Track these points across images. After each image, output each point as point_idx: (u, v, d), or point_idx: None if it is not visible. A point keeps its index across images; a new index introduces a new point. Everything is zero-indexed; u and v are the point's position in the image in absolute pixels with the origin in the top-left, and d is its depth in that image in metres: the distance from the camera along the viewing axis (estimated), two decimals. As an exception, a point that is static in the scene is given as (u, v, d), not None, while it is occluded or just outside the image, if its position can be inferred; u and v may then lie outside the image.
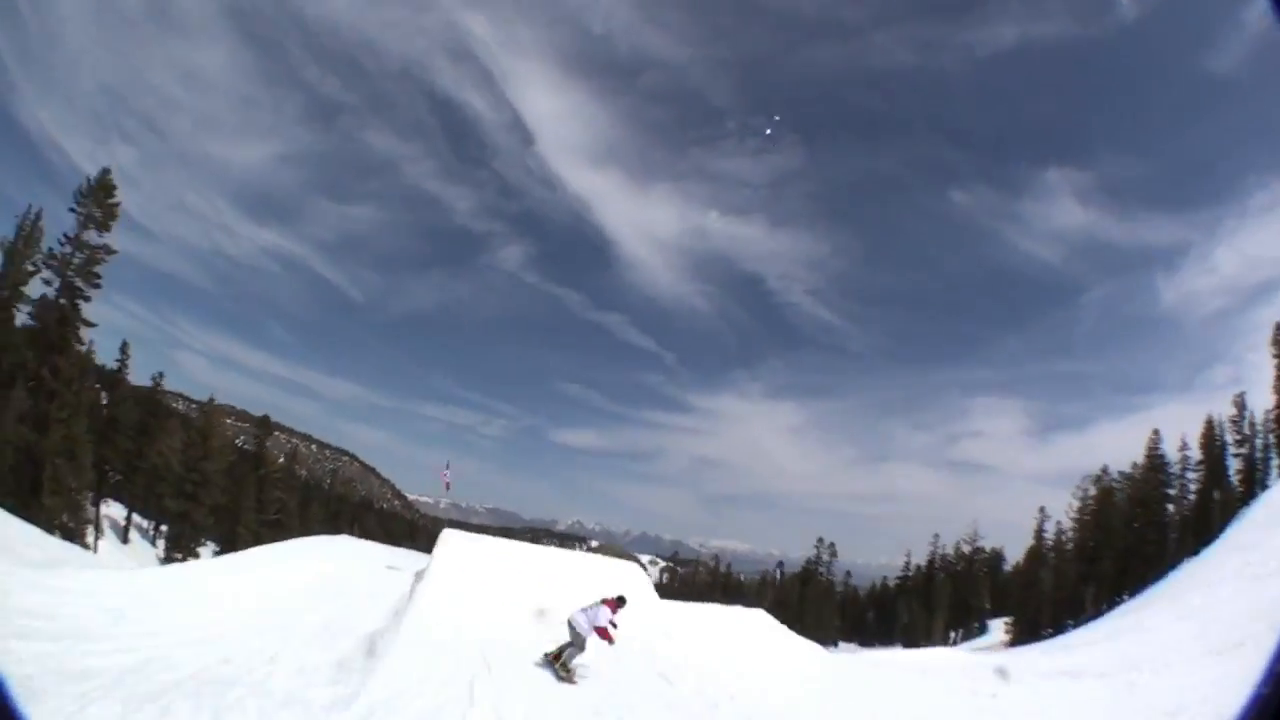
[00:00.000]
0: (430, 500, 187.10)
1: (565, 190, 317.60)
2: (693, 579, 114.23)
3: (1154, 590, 43.11)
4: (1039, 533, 66.86)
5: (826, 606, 78.59)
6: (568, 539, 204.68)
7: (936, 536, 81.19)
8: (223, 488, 44.78)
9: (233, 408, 74.00)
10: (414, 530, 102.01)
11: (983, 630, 70.00)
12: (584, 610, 10.80)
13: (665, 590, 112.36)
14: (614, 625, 10.87)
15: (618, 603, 11.08)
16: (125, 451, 40.70)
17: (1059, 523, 64.94)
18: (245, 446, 56.01)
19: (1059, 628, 52.15)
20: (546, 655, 11.00)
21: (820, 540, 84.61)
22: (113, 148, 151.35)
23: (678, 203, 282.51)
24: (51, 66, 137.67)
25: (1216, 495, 51.15)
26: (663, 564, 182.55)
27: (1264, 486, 49.11)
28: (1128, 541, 54.24)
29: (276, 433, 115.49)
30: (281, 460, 58.55)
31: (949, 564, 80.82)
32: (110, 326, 75.13)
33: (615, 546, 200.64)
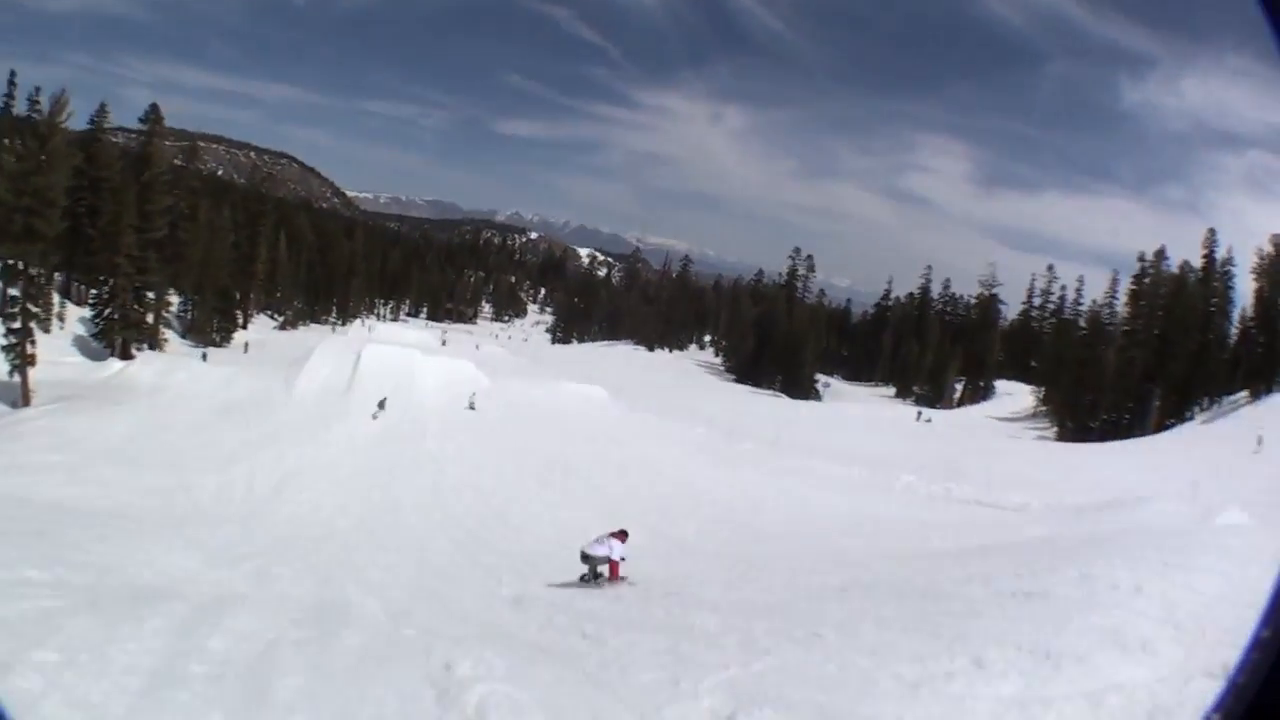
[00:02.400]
0: (370, 196, 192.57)
1: None
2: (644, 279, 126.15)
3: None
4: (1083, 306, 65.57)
5: (812, 334, 74.44)
6: (507, 229, 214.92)
7: (929, 268, 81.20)
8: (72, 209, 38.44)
9: (173, 129, 76.15)
10: (350, 228, 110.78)
11: (989, 392, 66.06)
12: (597, 542, 11.88)
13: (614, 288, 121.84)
14: (623, 559, 11.83)
15: (623, 535, 12.13)
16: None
17: (1094, 300, 63.96)
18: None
19: (1116, 425, 49.90)
20: (583, 578, 12.09)
21: (797, 251, 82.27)
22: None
23: None
24: None
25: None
26: (600, 257, 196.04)
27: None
28: (1197, 348, 50.29)
29: (213, 144, 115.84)
30: (178, 161, 53.50)
31: (945, 302, 79.65)
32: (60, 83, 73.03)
33: (554, 239, 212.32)
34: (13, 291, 30.70)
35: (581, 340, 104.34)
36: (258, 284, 63.82)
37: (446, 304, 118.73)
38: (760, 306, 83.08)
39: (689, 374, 77.83)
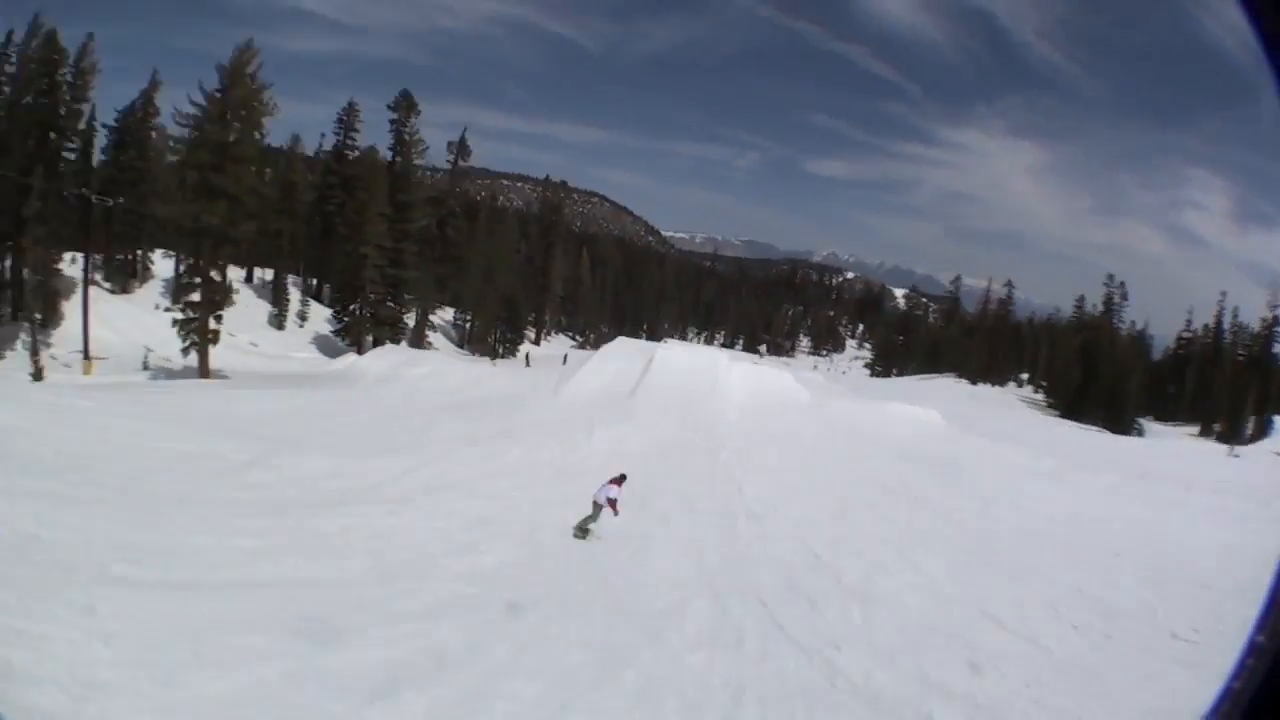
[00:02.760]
0: (685, 235, 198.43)
1: None
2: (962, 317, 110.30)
3: None
4: None
5: (1138, 366, 69.14)
6: (823, 269, 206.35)
7: (1224, 295, 71.72)
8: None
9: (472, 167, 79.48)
10: (662, 259, 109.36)
11: (1269, 426, 58.73)
12: (601, 488, 12.69)
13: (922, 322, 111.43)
14: (615, 502, 12.70)
15: (620, 480, 12.97)
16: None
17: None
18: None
19: None
20: (575, 527, 12.79)
21: (1110, 278, 74.55)
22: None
23: None
24: None
25: None
26: (916, 297, 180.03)
27: None
28: None
29: (516, 182, 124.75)
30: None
31: (1235, 333, 70.78)
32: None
33: (870, 278, 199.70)
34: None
35: (901, 374, 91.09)
36: (553, 300, 61.12)
37: (763, 336, 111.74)
38: (1082, 334, 74.06)
39: (1013, 407, 71.39)
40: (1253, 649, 1.69)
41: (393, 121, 41.39)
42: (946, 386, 75.15)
